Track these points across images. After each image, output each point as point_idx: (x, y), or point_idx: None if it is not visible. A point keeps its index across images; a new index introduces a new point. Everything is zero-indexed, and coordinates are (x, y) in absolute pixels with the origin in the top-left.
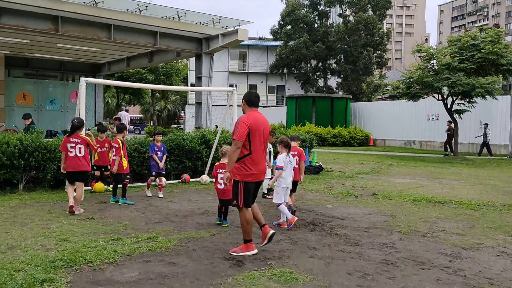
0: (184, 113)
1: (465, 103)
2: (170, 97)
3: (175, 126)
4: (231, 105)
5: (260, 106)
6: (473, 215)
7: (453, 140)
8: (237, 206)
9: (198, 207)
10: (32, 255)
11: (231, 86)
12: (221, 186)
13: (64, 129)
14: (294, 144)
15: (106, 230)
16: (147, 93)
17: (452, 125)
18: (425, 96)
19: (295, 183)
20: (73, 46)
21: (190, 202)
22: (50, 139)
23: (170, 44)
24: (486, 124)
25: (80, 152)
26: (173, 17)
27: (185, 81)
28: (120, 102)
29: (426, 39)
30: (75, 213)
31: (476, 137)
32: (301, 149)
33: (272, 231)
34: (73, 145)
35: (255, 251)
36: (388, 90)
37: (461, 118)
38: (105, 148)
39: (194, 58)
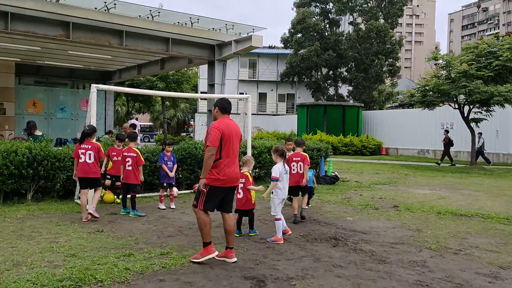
0: (194, 121)
1: (482, 111)
2: (180, 105)
3: (185, 134)
4: (246, 113)
5: (270, 114)
6: (504, 230)
7: (449, 150)
8: (195, 206)
9: (212, 219)
10: (39, 273)
11: (241, 94)
12: (240, 196)
13: (74, 137)
14: (299, 149)
15: (117, 245)
16: (157, 101)
17: (449, 134)
18: (441, 105)
19: (299, 188)
20: (84, 53)
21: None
22: (59, 148)
23: (183, 51)
24: (480, 133)
25: (89, 159)
26: (186, 23)
27: (194, 89)
28: (130, 110)
29: (436, 48)
30: (91, 213)
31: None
32: (305, 154)
33: (234, 260)
34: (83, 151)
35: (216, 253)
36: (398, 98)
37: (478, 127)
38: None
39: (206, 65)
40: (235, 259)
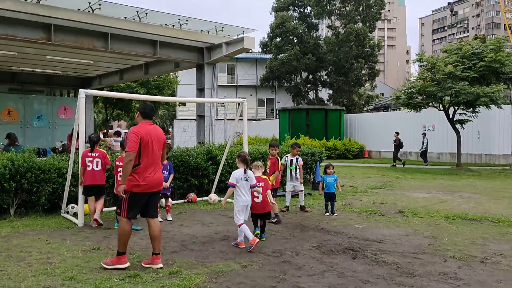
0: (173, 127)
1: (467, 112)
2: (158, 112)
3: None
4: (241, 119)
5: (250, 120)
6: None
7: (399, 151)
8: (119, 214)
9: (214, 231)
10: None
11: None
12: (258, 200)
13: (53, 146)
14: (274, 151)
15: None
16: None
17: (399, 136)
18: (426, 106)
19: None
20: (63, 58)
21: (204, 225)
22: (43, 158)
23: (170, 54)
24: (424, 134)
25: (97, 166)
26: (174, 25)
27: (173, 95)
28: (108, 117)
29: (407, 52)
30: (96, 219)
31: (420, 149)
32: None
33: (160, 266)
34: (91, 159)
35: (127, 264)
36: (373, 102)
37: (463, 128)
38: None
39: (185, 70)
40: (161, 265)
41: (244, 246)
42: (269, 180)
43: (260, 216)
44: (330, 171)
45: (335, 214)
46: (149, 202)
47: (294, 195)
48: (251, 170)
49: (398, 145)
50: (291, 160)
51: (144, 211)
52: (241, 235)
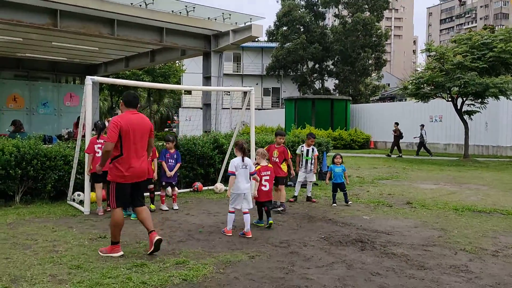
0: (178, 116)
1: (476, 103)
2: (164, 100)
3: (167, 129)
4: (248, 108)
5: (256, 109)
6: None
7: (399, 142)
8: (109, 205)
9: (221, 221)
10: None
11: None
12: (266, 188)
13: (58, 133)
14: (280, 140)
15: (125, 253)
16: (142, 96)
17: (399, 126)
18: (434, 97)
19: (278, 179)
20: (69, 44)
21: (210, 215)
22: (49, 145)
23: (177, 41)
24: (422, 125)
25: None
26: (181, 12)
27: (178, 83)
28: (113, 105)
29: (414, 42)
30: (99, 214)
31: (414, 138)
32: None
33: (158, 237)
34: (99, 145)
35: (120, 253)
36: (379, 92)
37: (471, 120)
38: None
39: (190, 58)
40: (159, 237)
41: (231, 234)
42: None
43: (264, 203)
44: (338, 161)
45: (350, 203)
46: (135, 191)
47: (302, 185)
48: (249, 158)
49: (398, 135)
50: (307, 150)
51: (131, 201)
52: (230, 223)
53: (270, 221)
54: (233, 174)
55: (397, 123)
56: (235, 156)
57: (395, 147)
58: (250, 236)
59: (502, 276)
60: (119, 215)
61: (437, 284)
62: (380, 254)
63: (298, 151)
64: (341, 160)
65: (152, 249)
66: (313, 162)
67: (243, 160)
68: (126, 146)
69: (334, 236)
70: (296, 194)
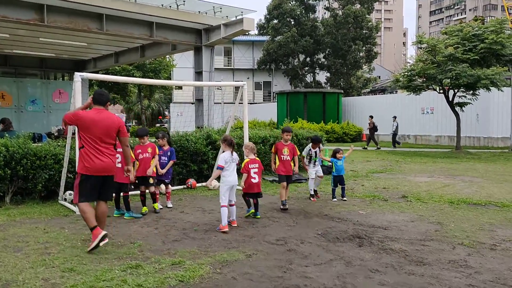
0: (169, 111)
1: (467, 95)
2: (154, 96)
3: (159, 125)
4: (241, 102)
5: (248, 103)
6: None
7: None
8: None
9: (216, 218)
10: None
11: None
12: (255, 181)
13: (48, 131)
14: (287, 137)
15: (119, 254)
16: (133, 92)
17: (373, 119)
18: (425, 89)
19: (289, 177)
20: (57, 40)
21: (205, 212)
22: (39, 144)
23: (167, 36)
24: (395, 117)
25: None
26: (171, 6)
27: (169, 78)
28: None
29: (404, 34)
30: None
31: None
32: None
33: (104, 233)
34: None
35: (103, 233)
36: (371, 85)
37: (463, 111)
38: (148, 154)
39: (182, 53)
40: (105, 232)
41: (227, 229)
42: (292, 167)
43: (254, 195)
44: (340, 156)
45: (345, 199)
46: (102, 186)
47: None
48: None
49: (373, 128)
50: (315, 153)
51: (98, 195)
52: (224, 219)
53: (258, 216)
54: (222, 168)
55: (371, 116)
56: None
57: (371, 140)
58: (235, 225)
59: (501, 270)
60: (82, 207)
61: (437, 280)
62: (378, 250)
63: (304, 153)
64: (342, 155)
65: (93, 245)
66: (320, 160)
67: (232, 154)
68: (86, 140)
69: (331, 232)
70: (312, 192)
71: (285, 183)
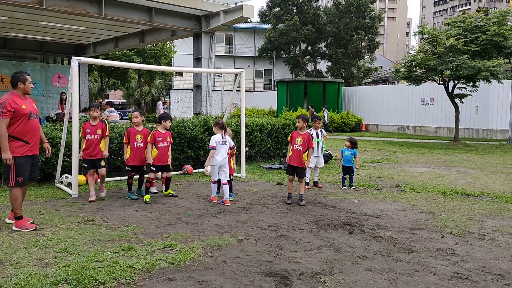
0: (169, 98)
1: (467, 87)
2: (154, 82)
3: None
4: (239, 90)
5: (248, 91)
6: None
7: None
8: (7, 184)
9: (210, 204)
10: (28, 273)
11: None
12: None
13: (47, 115)
14: (298, 124)
15: (113, 236)
16: (133, 78)
17: (312, 108)
18: (425, 80)
19: (299, 169)
20: (56, 24)
21: (199, 198)
22: None
23: (167, 21)
24: (325, 107)
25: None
26: None
27: (169, 64)
28: (103, 87)
29: (408, 24)
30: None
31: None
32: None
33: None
34: (89, 130)
35: (32, 225)
36: (372, 75)
37: (463, 103)
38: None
39: (182, 39)
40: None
41: (216, 201)
42: (304, 160)
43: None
44: (347, 144)
45: (353, 188)
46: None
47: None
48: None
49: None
50: (317, 133)
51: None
52: (214, 191)
53: (231, 198)
54: (214, 148)
55: (311, 105)
56: (231, 138)
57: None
58: (228, 204)
59: (488, 259)
60: (17, 189)
61: (423, 267)
62: (368, 238)
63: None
64: (351, 144)
65: (9, 221)
66: (323, 145)
67: (223, 137)
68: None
69: (323, 220)
70: (308, 180)
71: (291, 176)
